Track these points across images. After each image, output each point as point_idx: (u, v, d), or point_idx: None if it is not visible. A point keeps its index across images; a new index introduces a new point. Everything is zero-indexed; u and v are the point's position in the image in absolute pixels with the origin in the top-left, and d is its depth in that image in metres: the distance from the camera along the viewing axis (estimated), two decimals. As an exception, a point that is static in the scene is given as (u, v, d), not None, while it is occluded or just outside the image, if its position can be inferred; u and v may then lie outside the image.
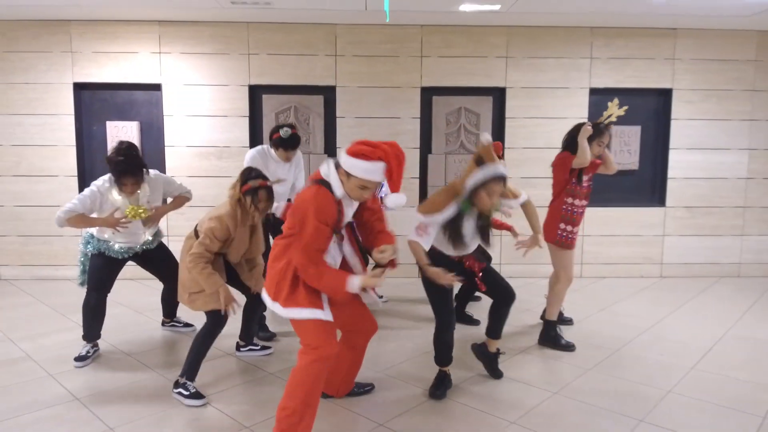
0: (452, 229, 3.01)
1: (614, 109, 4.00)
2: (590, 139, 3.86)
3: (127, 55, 5.73)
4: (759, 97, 5.99)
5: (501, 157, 3.63)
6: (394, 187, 2.57)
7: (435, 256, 3.11)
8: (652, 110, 6.13)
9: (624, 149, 6.07)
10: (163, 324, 4.29)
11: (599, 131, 3.93)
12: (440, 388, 3.17)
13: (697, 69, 5.97)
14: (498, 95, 5.99)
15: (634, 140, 6.06)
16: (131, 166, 3.39)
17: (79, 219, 3.44)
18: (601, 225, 6.04)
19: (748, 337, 4.18)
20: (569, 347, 3.90)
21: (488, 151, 2.86)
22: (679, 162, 6.05)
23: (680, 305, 5.05)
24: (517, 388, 3.28)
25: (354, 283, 2.49)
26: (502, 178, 2.89)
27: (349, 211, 2.69)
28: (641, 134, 6.08)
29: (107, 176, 3.53)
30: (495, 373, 3.43)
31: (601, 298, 5.25)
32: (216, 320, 3.20)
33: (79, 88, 5.80)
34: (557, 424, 2.85)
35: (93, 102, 5.89)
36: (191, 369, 3.15)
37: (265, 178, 3.23)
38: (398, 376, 3.45)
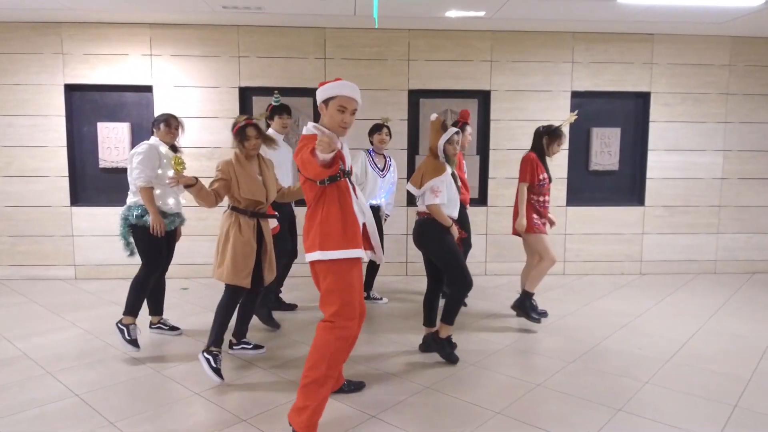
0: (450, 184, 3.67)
1: (572, 118, 4.57)
2: (551, 141, 4.40)
3: (118, 57, 5.79)
4: (733, 101, 6.22)
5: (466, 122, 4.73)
6: None
7: (435, 223, 3.66)
8: (631, 113, 6.33)
9: (605, 150, 6.26)
10: (150, 326, 4.29)
11: (558, 135, 4.41)
12: (454, 350, 3.75)
13: (674, 73, 6.18)
14: (483, 98, 6.15)
15: (614, 142, 6.25)
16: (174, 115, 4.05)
17: (148, 192, 3.81)
18: (582, 223, 6.23)
19: (722, 331, 4.37)
20: (538, 319, 4.41)
21: (437, 123, 3.73)
22: (657, 162, 6.26)
23: (659, 301, 5.24)
24: (502, 380, 3.42)
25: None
26: (457, 132, 3.78)
27: (347, 155, 2.83)
28: (621, 136, 6.28)
29: (148, 140, 3.95)
30: (451, 358, 3.72)
31: (583, 295, 5.43)
32: (233, 293, 3.51)
33: (70, 89, 5.85)
34: (540, 413, 3.00)
35: (84, 103, 5.94)
36: (218, 337, 3.45)
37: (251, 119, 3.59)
38: (388, 369, 3.58)
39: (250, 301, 3.75)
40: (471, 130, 4.97)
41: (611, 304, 5.15)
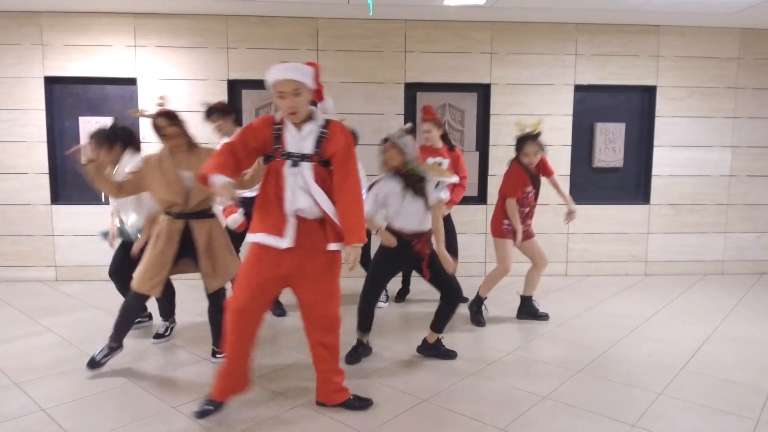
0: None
1: (536, 126, 4.30)
2: (517, 151, 4.29)
3: (100, 48, 5.52)
4: (742, 95, 5.99)
5: (432, 118, 4.66)
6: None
7: (391, 233, 3.47)
8: (636, 107, 6.09)
9: (609, 146, 6.02)
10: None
11: (523, 141, 4.26)
12: (355, 355, 3.59)
13: (681, 66, 5.94)
14: (482, 91, 5.90)
15: (618, 138, 6.02)
16: None
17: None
18: (586, 223, 5.99)
19: (736, 336, 4.14)
20: (546, 315, 4.47)
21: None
22: (663, 159, 6.02)
23: (666, 303, 5.01)
24: (505, 392, 3.18)
25: (215, 179, 2.50)
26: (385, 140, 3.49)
27: (295, 139, 2.66)
28: (626, 131, 6.04)
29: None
30: (449, 354, 3.67)
31: (588, 297, 5.19)
32: (135, 297, 3.35)
33: (50, 82, 5.58)
34: (548, 430, 2.76)
35: (64, 97, 5.67)
36: (117, 335, 3.39)
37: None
38: (384, 382, 3.33)
39: (211, 310, 3.50)
40: (429, 127, 4.68)
41: (617, 306, 4.91)
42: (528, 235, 4.38)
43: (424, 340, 3.71)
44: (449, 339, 3.82)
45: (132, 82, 5.61)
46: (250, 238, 2.69)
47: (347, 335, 3.46)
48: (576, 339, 4.06)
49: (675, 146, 6.02)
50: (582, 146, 6.03)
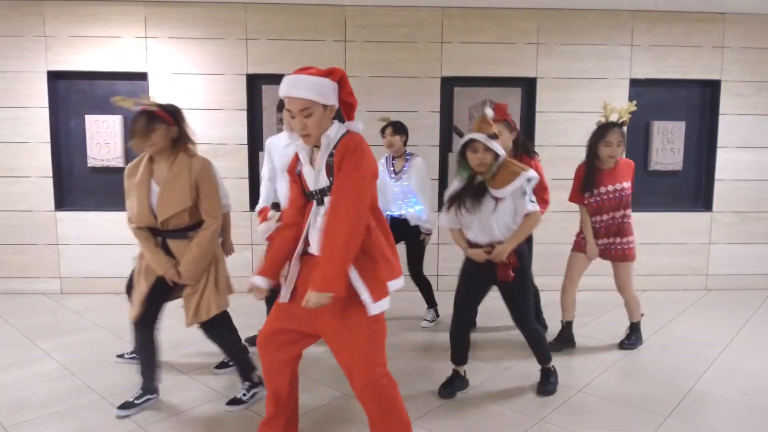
0: (458, 198, 3.00)
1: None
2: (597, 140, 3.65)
3: (108, 40, 5.04)
4: (817, 90, 5.38)
5: (504, 118, 3.66)
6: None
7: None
8: (697, 104, 5.51)
9: (667, 147, 5.44)
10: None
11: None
12: (449, 387, 3.14)
13: (749, 59, 5.34)
14: (527, 86, 5.35)
15: (677, 138, 5.43)
16: None
17: None
18: (640, 232, 5.29)
19: (837, 368, 3.55)
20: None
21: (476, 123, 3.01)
22: (727, 162, 5.43)
23: (741, 326, 4.42)
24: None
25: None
26: (472, 140, 2.92)
27: (311, 172, 2.19)
28: (686, 131, 5.45)
29: None
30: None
31: (649, 316, 4.56)
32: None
33: (55, 77, 5.12)
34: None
35: (70, 93, 5.21)
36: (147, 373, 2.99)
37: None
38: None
39: (208, 335, 3.02)
40: (500, 129, 3.89)
41: (685, 329, 4.33)
42: (612, 254, 3.78)
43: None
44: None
45: (143, 77, 5.13)
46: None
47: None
48: (653, 372, 3.49)
49: (740, 147, 5.42)
50: (637, 147, 5.44)
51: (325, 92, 2.08)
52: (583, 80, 5.28)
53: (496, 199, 2.90)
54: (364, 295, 2.07)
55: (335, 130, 2.13)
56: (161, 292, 2.88)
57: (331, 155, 2.10)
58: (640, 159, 5.46)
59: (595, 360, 3.70)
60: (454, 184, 3.07)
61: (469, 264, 3.09)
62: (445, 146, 5.38)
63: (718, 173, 5.45)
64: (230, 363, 3.37)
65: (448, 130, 5.37)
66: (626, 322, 4.04)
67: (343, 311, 2.10)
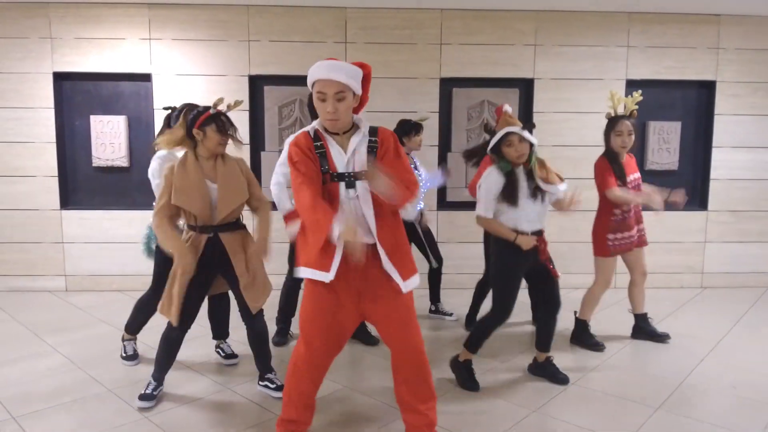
0: (507, 191, 3.06)
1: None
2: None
3: (112, 42, 5.13)
4: (811, 91, 5.44)
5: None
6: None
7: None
8: (693, 104, 5.57)
9: (663, 147, 5.51)
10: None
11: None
12: (473, 378, 3.23)
13: (744, 59, 5.41)
14: (525, 87, 5.42)
15: (673, 137, 5.50)
16: None
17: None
18: (637, 231, 5.47)
19: (827, 363, 3.62)
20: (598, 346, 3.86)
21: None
22: (722, 161, 5.50)
23: (734, 322, 4.49)
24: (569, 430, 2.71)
25: (335, 229, 2.08)
26: (511, 133, 3.03)
27: (343, 155, 2.24)
28: (681, 131, 5.52)
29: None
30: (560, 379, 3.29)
31: (644, 314, 4.68)
32: (168, 327, 2.97)
33: (60, 78, 5.20)
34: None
35: (75, 94, 5.29)
36: (159, 372, 3.07)
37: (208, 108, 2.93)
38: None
39: (253, 336, 3.10)
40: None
41: (679, 325, 4.40)
42: (641, 242, 3.93)
43: (534, 360, 3.41)
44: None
45: (146, 78, 5.21)
46: (303, 273, 2.30)
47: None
48: (644, 367, 3.57)
49: (735, 147, 5.49)
50: (633, 147, 5.48)
51: (358, 80, 2.20)
52: (580, 81, 5.35)
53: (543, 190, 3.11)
54: (397, 277, 2.25)
55: (362, 118, 2.30)
56: (199, 288, 2.95)
57: (373, 140, 2.24)
58: (636, 159, 5.49)
59: (590, 354, 3.78)
60: (493, 175, 3.08)
61: (512, 257, 3.10)
62: (444, 146, 5.45)
63: (714, 173, 5.52)
64: (236, 355, 3.58)
65: (447, 130, 5.45)
66: (621, 318, 4.12)
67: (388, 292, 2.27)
